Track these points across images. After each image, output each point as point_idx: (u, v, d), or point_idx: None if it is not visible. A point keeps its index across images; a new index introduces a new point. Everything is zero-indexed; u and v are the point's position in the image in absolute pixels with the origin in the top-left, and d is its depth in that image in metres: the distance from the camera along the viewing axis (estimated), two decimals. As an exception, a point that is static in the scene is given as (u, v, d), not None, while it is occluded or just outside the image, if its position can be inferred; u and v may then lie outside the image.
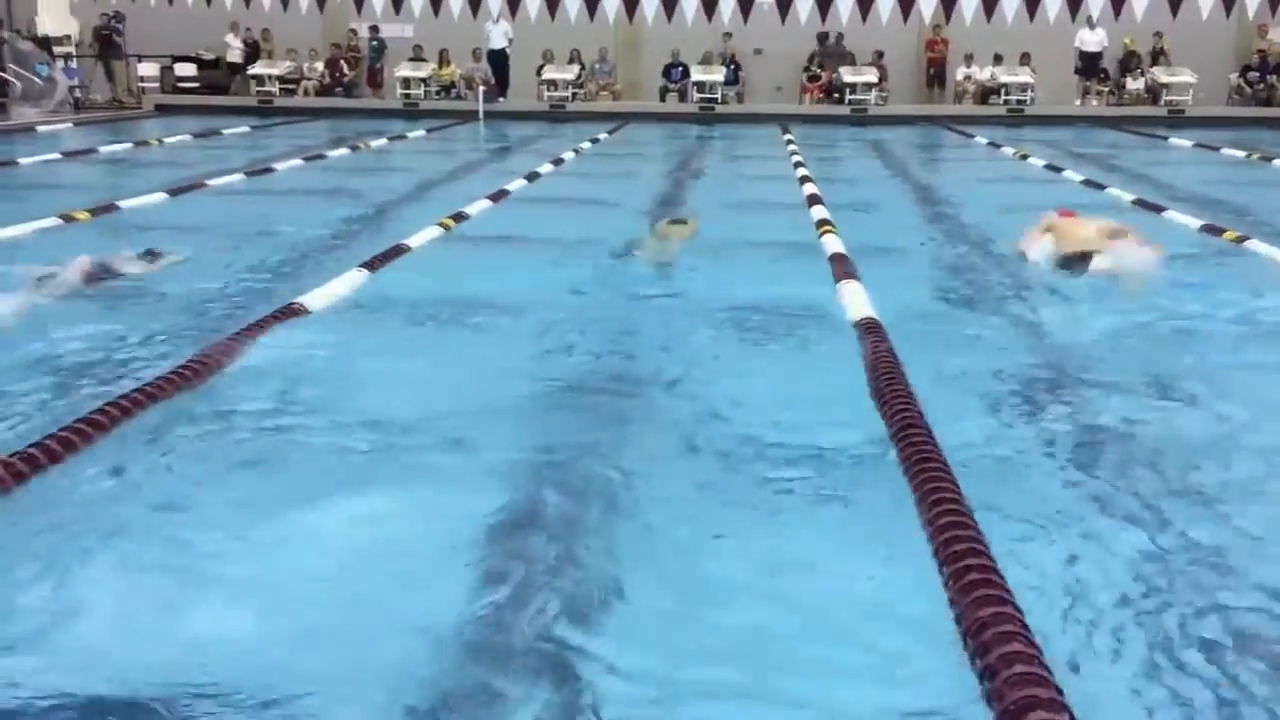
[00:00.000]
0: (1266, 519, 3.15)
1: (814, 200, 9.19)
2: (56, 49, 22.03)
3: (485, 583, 2.75)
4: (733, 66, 22.44)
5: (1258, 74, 21.61)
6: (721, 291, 6.10)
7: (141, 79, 22.93)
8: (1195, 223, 8.14)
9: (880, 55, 22.24)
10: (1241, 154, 14.41)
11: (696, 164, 13.55)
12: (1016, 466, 3.56)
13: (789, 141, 15.63)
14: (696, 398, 4.20)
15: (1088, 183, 11.11)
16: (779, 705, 2.28)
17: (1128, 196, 9.80)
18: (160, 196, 9.35)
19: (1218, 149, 15.15)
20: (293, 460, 3.59)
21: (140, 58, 23.02)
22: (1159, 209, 8.94)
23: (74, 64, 22.55)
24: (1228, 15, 22.01)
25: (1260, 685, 2.31)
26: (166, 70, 23.03)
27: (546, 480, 3.42)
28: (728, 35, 22.72)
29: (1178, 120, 20.16)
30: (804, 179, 10.84)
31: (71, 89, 21.44)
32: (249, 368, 4.44)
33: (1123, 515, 3.17)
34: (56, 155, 13.38)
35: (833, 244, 6.97)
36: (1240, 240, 7.30)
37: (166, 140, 15.63)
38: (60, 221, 7.87)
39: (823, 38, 22.72)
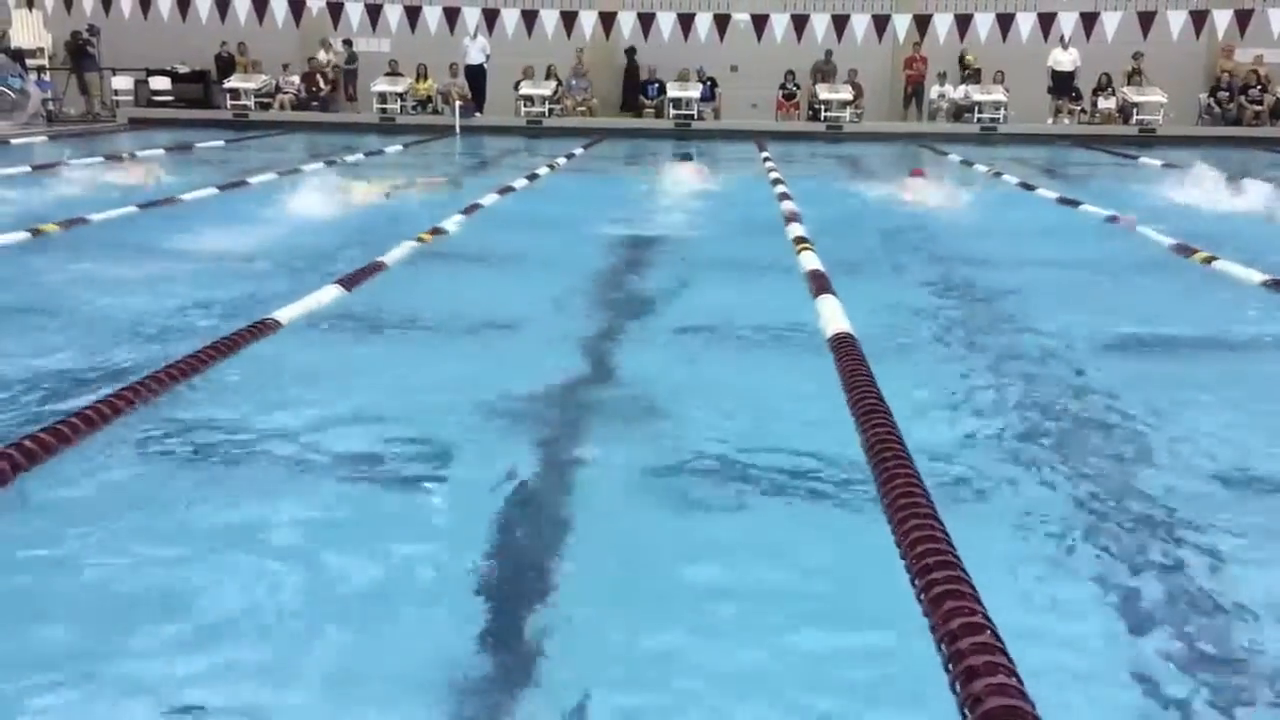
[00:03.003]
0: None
1: (791, 217, 9.22)
2: (30, 61, 21.87)
3: (464, 597, 2.73)
4: (709, 83, 22.61)
5: (1226, 93, 21.92)
6: (700, 305, 6.12)
7: (115, 92, 22.78)
8: (1167, 241, 8.22)
9: (854, 73, 22.46)
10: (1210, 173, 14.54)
11: (673, 179, 13.55)
12: (992, 479, 3.58)
13: (766, 159, 15.69)
14: (673, 411, 4.20)
15: (1062, 200, 11.20)
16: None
17: (1100, 214, 9.88)
18: (131, 209, 9.27)
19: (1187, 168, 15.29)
20: (261, 474, 3.56)
21: (114, 71, 22.88)
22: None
23: (47, 77, 22.40)
24: (1198, 36, 22.28)
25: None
26: (141, 84, 22.90)
27: (523, 491, 3.40)
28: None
29: (1148, 139, 20.39)
30: (782, 196, 10.88)
31: (45, 102, 21.28)
32: (220, 382, 4.40)
33: (1101, 529, 3.19)
34: (27, 168, 13.26)
35: (810, 260, 6.99)
36: (1209, 260, 7.37)
37: (139, 153, 15.51)
38: (28, 235, 7.79)
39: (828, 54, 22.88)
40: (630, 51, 23.41)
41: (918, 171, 12.35)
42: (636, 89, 23.28)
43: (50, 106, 21.52)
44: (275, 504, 3.28)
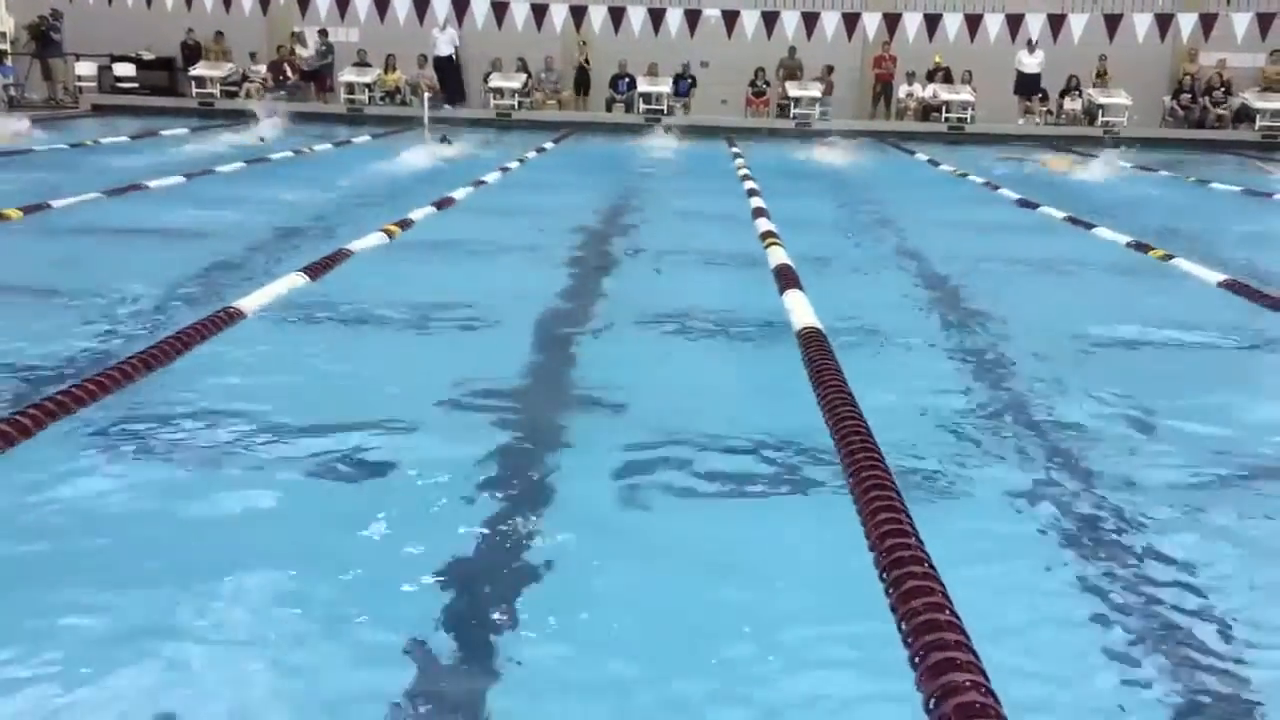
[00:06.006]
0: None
1: (759, 212, 9.25)
2: (-9, 46, 21.55)
3: (432, 586, 2.73)
4: (689, 80, 22.63)
5: (1189, 95, 22.21)
6: (667, 298, 6.13)
7: (79, 78, 22.46)
8: (1123, 239, 8.32)
9: (829, 70, 22.55)
10: (1173, 175, 14.75)
11: (644, 175, 13.57)
12: (957, 474, 3.61)
13: (736, 155, 15.72)
14: (642, 405, 4.20)
15: (1022, 201, 11.29)
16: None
17: (1059, 214, 9.97)
18: (95, 196, 9.14)
19: (1151, 169, 15.49)
20: (225, 464, 3.53)
21: (78, 56, 22.55)
22: (1088, 226, 9.12)
23: (9, 62, 22.05)
24: (1162, 39, 22.51)
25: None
26: (105, 70, 22.57)
27: (491, 485, 3.40)
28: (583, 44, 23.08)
29: (1113, 141, 20.59)
30: (751, 191, 10.91)
31: (6, 87, 20.98)
32: (183, 372, 4.35)
33: (1055, 517, 3.23)
34: (-12, 154, 13.05)
35: (777, 255, 7.01)
36: (1167, 258, 7.47)
37: (103, 140, 15.31)
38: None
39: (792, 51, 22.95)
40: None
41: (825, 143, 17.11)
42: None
43: (12, 92, 21.21)
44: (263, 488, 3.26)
